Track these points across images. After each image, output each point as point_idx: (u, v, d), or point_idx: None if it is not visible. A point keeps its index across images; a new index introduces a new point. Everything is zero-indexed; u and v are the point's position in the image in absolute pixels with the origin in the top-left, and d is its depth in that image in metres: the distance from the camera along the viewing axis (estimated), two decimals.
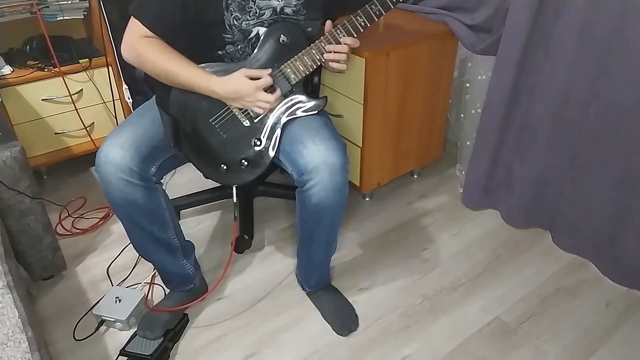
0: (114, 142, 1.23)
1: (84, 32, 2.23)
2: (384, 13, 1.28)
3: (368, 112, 1.77)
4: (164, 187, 1.34)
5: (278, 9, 1.30)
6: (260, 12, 1.29)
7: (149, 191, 1.26)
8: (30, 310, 1.09)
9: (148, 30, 1.22)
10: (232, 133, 1.32)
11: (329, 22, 1.30)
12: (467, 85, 1.97)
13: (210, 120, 1.31)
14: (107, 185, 1.23)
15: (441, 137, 2.15)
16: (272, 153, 1.33)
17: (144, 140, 1.26)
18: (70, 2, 1.94)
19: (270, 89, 1.27)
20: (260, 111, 1.28)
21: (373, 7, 1.27)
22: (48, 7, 1.90)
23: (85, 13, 2.01)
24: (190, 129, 1.31)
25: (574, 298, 1.60)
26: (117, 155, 1.21)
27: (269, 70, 1.26)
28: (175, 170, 1.80)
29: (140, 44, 1.23)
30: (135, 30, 1.24)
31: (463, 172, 2.07)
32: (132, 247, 1.42)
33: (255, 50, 1.31)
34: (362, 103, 1.75)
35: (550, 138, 1.67)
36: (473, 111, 1.96)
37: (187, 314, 1.52)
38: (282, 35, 1.30)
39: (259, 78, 1.24)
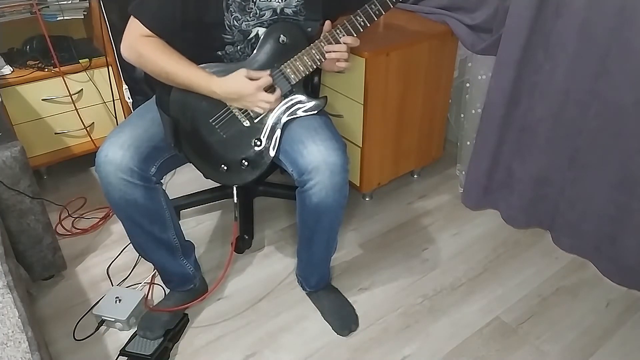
0: (114, 142, 1.23)
1: (84, 32, 2.23)
2: (383, 13, 1.28)
3: (368, 112, 1.77)
4: (164, 187, 1.34)
5: (278, 10, 1.30)
6: (261, 12, 1.29)
7: (149, 191, 1.26)
8: (30, 310, 1.08)
9: (148, 30, 1.22)
10: (232, 133, 1.32)
11: (327, 22, 1.30)
12: (467, 85, 1.97)
13: (210, 121, 1.31)
14: (107, 185, 1.23)
15: (441, 137, 2.15)
16: (272, 153, 1.33)
17: (144, 140, 1.26)
18: (70, 2, 1.94)
19: (270, 89, 1.27)
20: (260, 111, 1.29)
21: (372, 6, 1.27)
22: (48, 7, 1.90)
23: (85, 13, 2.01)
24: (190, 129, 1.31)
25: (574, 298, 1.60)
26: (117, 155, 1.20)
27: (269, 71, 1.26)
28: (175, 170, 1.80)
29: (140, 44, 1.23)
30: (135, 29, 1.23)
31: (463, 172, 2.07)
32: (132, 247, 1.42)
33: (255, 50, 1.31)
34: (362, 103, 1.75)
35: (550, 138, 1.67)
36: (473, 111, 1.96)
37: (187, 314, 1.52)
38: (281, 35, 1.30)
39: (259, 78, 1.24)
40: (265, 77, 1.24)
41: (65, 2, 1.92)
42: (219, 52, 1.33)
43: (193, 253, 1.53)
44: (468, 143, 2.03)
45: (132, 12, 1.23)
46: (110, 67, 2.05)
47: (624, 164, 1.52)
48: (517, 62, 1.62)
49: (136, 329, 1.45)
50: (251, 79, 1.23)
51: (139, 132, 1.26)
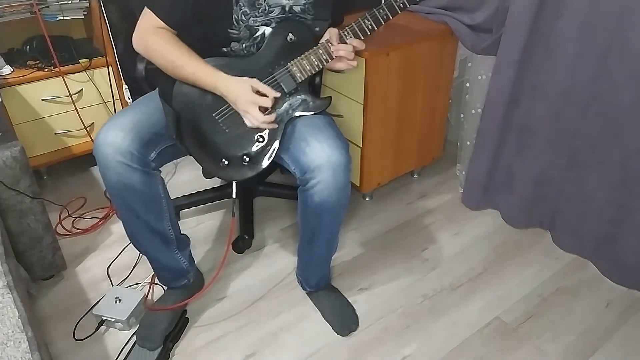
0: (115, 123, 1.21)
1: (84, 32, 2.23)
2: (391, 17, 1.30)
3: (368, 112, 1.77)
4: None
5: (287, 8, 1.31)
6: (269, 9, 1.29)
7: (147, 177, 1.25)
8: (30, 310, 1.09)
9: (161, 22, 1.23)
10: (235, 128, 1.32)
11: (334, 30, 1.30)
12: (467, 85, 1.97)
13: (214, 115, 1.30)
14: (105, 169, 1.21)
15: (441, 137, 2.15)
16: (274, 150, 1.32)
17: (146, 125, 1.24)
18: (70, 2, 1.93)
19: (268, 111, 1.26)
20: (248, 123, 1.27)
21: (381, 11, 1.29)
22: (48, 7, 1.90)
23: (85, 13, 2.01)
24: (192, 122, 1.30)
25: (574, 298, 1.60)
26: (117, 137, 1.19)
27: (278, 94, 1.26)
28: (176, 170, 1.80)
29: (150, 35, 1.24)
30: (147, 21, 1.24)
31: (463, 172, 2.07)
32: (132, 247, 1.42)
33: (263, 47, 1.31)
34: (362, 103, 1.75)
35: (550, 138, 1.67)
36: (473, 111, 1.96)
37: (186, 312, 1.52)
38: (290, 34, 1.30)
39: (265, 94, 1.23)
40: (267, 100, 1.23)
41: (65, 2, 1.92)
42: (224, 49, 1.33)
43: (188, 247, 1.51)
44: (468, 143, 2.03)
45: (146, 3, 1.23)
46: (110, 67, 2.05)
47: (624, 164, 1.52)
48: (517, 62, 1.62)
49: (135, 339, 1.43)
50: (258, 92, 1.22)
51: (140, 117, 1.25)
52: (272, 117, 1.27)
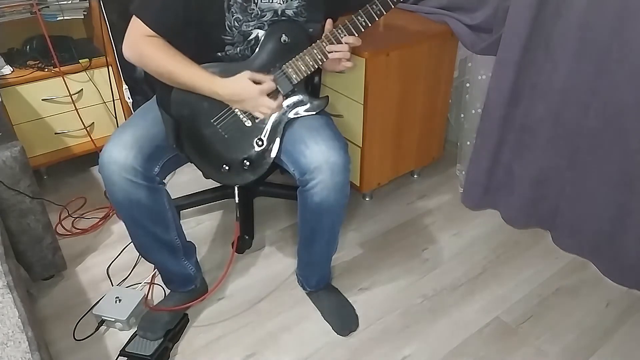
0: (117, 142, 1.22)
1: (84, 32, 2.23)
2: (384, 13, 1.28)
3: (368, 112, 1.77)
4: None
5: (279, 11, 1.30)
6: (262, 13, 1.29)
7: (153, 192, 1.26)
8: (30, 310, 1.09)
9: (150, 30, 1.22)
10: (234, 133, 1.32)
11: (329, 21, 1.29)
12: (467, 85, 1.97)
13: (212, 120, 1.31)
14: (111, 186, 1.22)
15: (441, 137, 2.15)
16: (274, 153, 1.32)
17: (147, 140, 1.25)
18: (70, 2, 1.94)
19: (272, 95, 1.27)
20: (261, 116, 1.29)
21: (374, 6, 1.26)
22: (48, 7, 1.90)
23: (85, 13, 2.01)
24: (191, 129, 1.30)
25: (574, 298, 1.60)
26: (121, 155, 1.20)
27: (272, 76, 1.27)
28: (176, 170, 1.79)
29: (143, 43, 1.23)
30: (137, 29, 1.23)
31: (463, 172, 2.07)
32: (132, 247, 1.42)
33: (257, 50, 1.30)
34: (362, 103, 1.75)
35: (550, 138, 1.67)
36: (473, 111, 1.96)
37: (187, 314, 1.52)
38: (283, 35, 1.30)
39: (262, 82, 1.24)
40: (268, 82, 1.25)
41: (65, 2, 1.92)
42: (219, 53, 1.33)
43: (194, 254, 1.53)
44: (468, 143, 2.03)
45: (135, 11, 1.23)
46: (110, 67, 2.05)
47: (624, 164, 1.52)
48: (517, 62, 1.62)
49: (136, 329, 1.45)
50: (255, 82, 1.23)
51: (141, 132, 1.26)
52: (280, 99, 1.28)
